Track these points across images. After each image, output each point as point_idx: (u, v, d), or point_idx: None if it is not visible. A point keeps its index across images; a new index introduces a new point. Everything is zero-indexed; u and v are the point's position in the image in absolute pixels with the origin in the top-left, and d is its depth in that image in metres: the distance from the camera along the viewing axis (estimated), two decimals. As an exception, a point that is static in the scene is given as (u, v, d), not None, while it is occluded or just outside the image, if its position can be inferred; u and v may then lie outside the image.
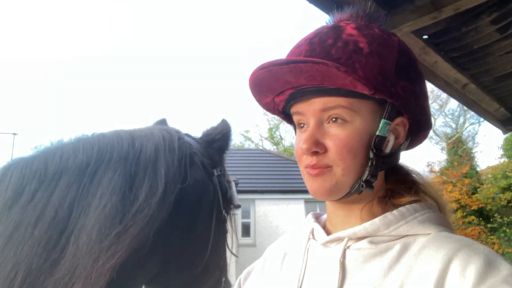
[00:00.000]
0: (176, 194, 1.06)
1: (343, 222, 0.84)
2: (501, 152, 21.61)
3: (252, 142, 32.17)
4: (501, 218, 17.90)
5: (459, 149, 22.83)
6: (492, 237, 17.72)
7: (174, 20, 51.93)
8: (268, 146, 30.86)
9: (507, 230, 17.32)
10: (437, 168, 22.18)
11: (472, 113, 3.57)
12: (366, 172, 0.76)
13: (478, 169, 22.09)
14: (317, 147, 0.75)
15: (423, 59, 2.43)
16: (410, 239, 0.75)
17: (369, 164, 0.76)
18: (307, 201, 13.93)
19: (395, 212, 0.77)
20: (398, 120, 0.80)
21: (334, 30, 0.80)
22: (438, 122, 25.51)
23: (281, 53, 0.82)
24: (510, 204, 17.96)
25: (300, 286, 0.82)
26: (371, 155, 0.76)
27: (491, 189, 18.93)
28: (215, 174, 1.31)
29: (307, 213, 13.66)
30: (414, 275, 0.68)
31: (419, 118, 0.83)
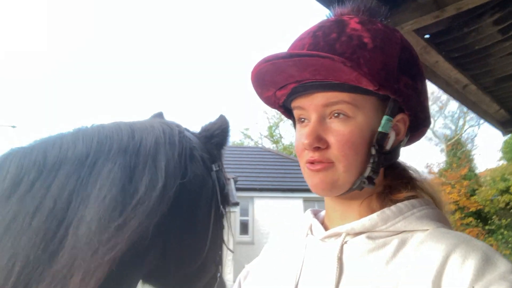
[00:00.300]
0: (176, 188, 1.06)
1: (341, 217, 0.84)
2: (500, 154, 21.63)
3: (252, 140, 32.17)
4: (499, 220, 17.92)
5: (458, 151, 22.85)
6: (489, 239, 17.74)
7: (173, 16, 51.84)
8: (268, 144, 30.85)
9: (505, 232, 17.34)
10: (436, 170, 22.20)
11: (472, 115, 3.55)
12: (368, 169, 0.76)
13: (476, 171, 22.11)
14: (319, 143, 0.74)
15: (424, 58, 2.43)
16: (408, 235, 0.75)
17: (371, 161, 0.76)
18: (305, 200, 13.94)
19: (393, 207, 0.77)
20: (399, 116, 0.80)
21: (338, 24, 0.79)
22: (438, 124, 25.53)
23: (282, 48, 0.81)
24: (508, 207, 17.97)
25: (298, 281, 0.82)
26: (373, 152, 0.76)
27: (489, 191, 18.93)
28: (214, 169, 1.31)
29: (305, 210, 13.61)
30: (411, 270, 0.68)
31: (419, 115, 0.83)
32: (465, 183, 19.59)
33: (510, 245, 16.94)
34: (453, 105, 24.05)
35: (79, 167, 0.96)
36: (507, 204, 18.03)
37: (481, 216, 19.04)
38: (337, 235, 0.81)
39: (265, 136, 31.76)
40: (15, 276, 0.82)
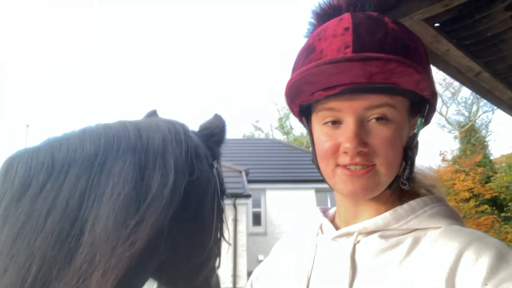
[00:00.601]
0: (185, 185, 1.07)
1: (354, 216, 0.84)
2: (515, 140, 21.27)
3: (262, 132, 32.20)
4: (515, 207, 17.71)
5: (472, 138, 22.54)
6: (505, 226, 17.54)
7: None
8: (279, 136, 30.87)
9: (521, 219, 17.15)
10: (449, 157, 21.97)
11: (486, 101, 3.49)
12: (407, 170, 0.77)
13: (491, 157, 21.81)
14: (364, 147, 0.72)
15: (435, 47, 2.38)
16: (421, 233, 0.75)
17: (409, 162, 0.77)
18: (317, 190, 13.94)
19: (405, 206, 0.77)
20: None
21: (377, 22, 0.75)
22: (451, 110, 25.34)
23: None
24: (524, 193, 17.74)
25: (309, 281, 0.82)
26: (410, 153, 0.77)
27: (504, 178, 18.70)
28: (215, 166, 1.35)
29: (317, 202, 13.71)
30: (425, 269, 0.68)
31: (431, 114, 0.84)
32: (480, 170, 19.36)
33: (526, 232, 16.71)
34: (466, 91, 23.68)
35: (89, 167, 0.97)
36: (523, 190, 17.78)
37: (496, 203, 18.83)
38: (349, 234, 0.81)
39: (276, 128, 31.79)
40: (32, 275, 0.83)
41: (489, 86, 3.00)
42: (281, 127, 31.38)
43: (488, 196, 18.67)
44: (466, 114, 25.45)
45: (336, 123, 0.76)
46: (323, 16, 0.82)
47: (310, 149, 0.86)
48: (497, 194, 18.75)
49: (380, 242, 0.76)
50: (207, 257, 1.33)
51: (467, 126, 23.76)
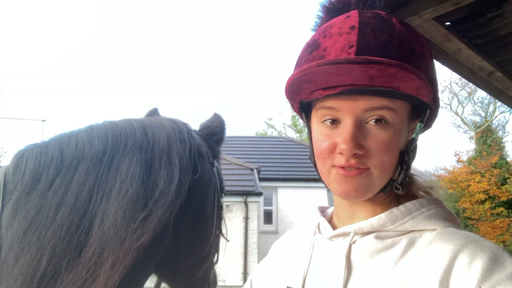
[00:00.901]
0: (189, 183, 1.10)
1: (350, 216, 0.84)
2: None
3: (275, 129, 32.15)
4: (532, 210, 17.33)
5: (488, 139, 22.09)
6: (521, 229, 17.19)
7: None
8: (291, 134, 30.80)
9: (538, 223, 16.78)
10: (465, 158, 21.59)
11: (501, 101, 3.43)
12: (402, 175, 0.76)
13: (508, 159, 21.34)
14: (359, 150, 0.72)
15: (445, 46, 2.36)
16: (416, 235, 0.75)
17: (405, 167, 0.76)
18: (329, 190, 13.86)
19: (401, 207, 0.78)
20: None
21: (383, 23, 0.73)
22: (467, 111, 24.98)
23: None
24: (541, 196, 17.34)
25: (305, 280, 0.82)
26: (406, 158, 0.76)
27: (521, 180, 18.29)
28: (215, 164, 1.38)
29: (329, 201, 13.62)
30: (419, 270, 0.68)
31: (432, 120, 0.83)
32: (496, 171, 18.97)
33: (543, 235, 16.36)
34: (483, 91, 23.24)
35: (97, 164, 1.00)
36: (541, 193, 17.39)
37: (512, 206, 18.43)
38: (345, 234, 0.81)
39: (289, 126, 31.70)
40: (43, 267, 0.87)
41: (502, 86, 2.96)
42: (294, 125, 31.28)
43: (504, 199, 18.28)
44: (483, 114, 24.99)
45: (334, 122, 0.76)
46: (332, 10, 0.81)
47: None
48: (513, 196, 18.37)
49: (375, 243, 0.76)
50: (207, 253, 1.37)
51: (483, 127, 23.31)
